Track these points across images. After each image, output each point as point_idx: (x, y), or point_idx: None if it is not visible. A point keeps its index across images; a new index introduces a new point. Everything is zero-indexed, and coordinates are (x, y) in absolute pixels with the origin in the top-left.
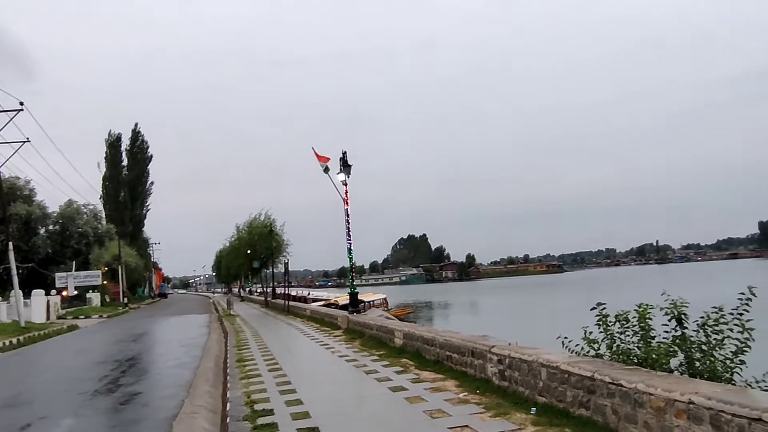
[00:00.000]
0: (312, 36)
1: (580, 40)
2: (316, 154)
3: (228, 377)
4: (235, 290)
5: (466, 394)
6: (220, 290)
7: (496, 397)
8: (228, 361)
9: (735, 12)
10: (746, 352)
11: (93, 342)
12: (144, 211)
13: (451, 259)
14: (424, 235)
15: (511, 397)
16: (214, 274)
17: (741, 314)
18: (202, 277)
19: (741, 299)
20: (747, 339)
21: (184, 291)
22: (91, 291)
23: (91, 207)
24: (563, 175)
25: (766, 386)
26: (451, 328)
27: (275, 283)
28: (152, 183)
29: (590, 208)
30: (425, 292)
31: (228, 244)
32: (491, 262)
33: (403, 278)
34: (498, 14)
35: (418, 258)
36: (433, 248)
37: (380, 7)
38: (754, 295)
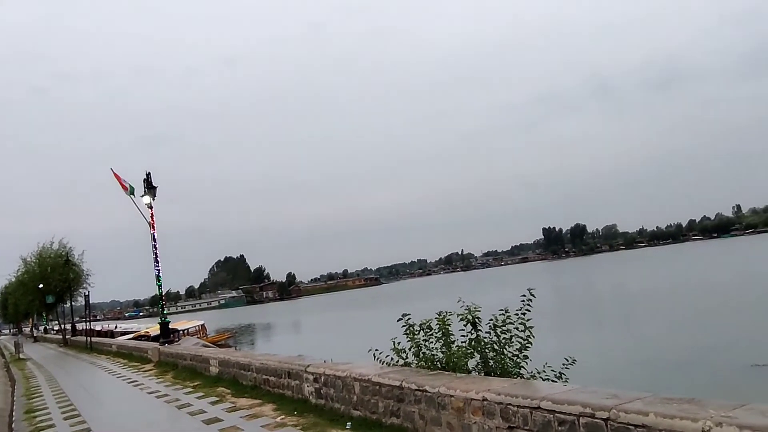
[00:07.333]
0: (105, 49)
1: (390, 70)
2: (116, 176)
3: None
4: (27, 330)
5: (283, 417)
6: (7, 332)
7: (314, 417)
8: (14, 413)
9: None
10: (529, 347)
11: None
12: None
13: (272, 279)
14: (242, 256)
15: (328, 414)
16: None
17: (524, 314)
18: None
19: (523, 300)
20: (529, 336)
21: None
22: None
23: None
24: (375, 192)
25: (545, 377)
26: (272, 350)
27: (75, 319)
28: None
29: (403, 222)
30: (246, 315)
31: (14, 279)
32: (312, 279)
33: (223, 302)
34: (303, 37)
35: (238, 280)
36: (252, 269)
37: (181, 23)
38: (533, 296)
